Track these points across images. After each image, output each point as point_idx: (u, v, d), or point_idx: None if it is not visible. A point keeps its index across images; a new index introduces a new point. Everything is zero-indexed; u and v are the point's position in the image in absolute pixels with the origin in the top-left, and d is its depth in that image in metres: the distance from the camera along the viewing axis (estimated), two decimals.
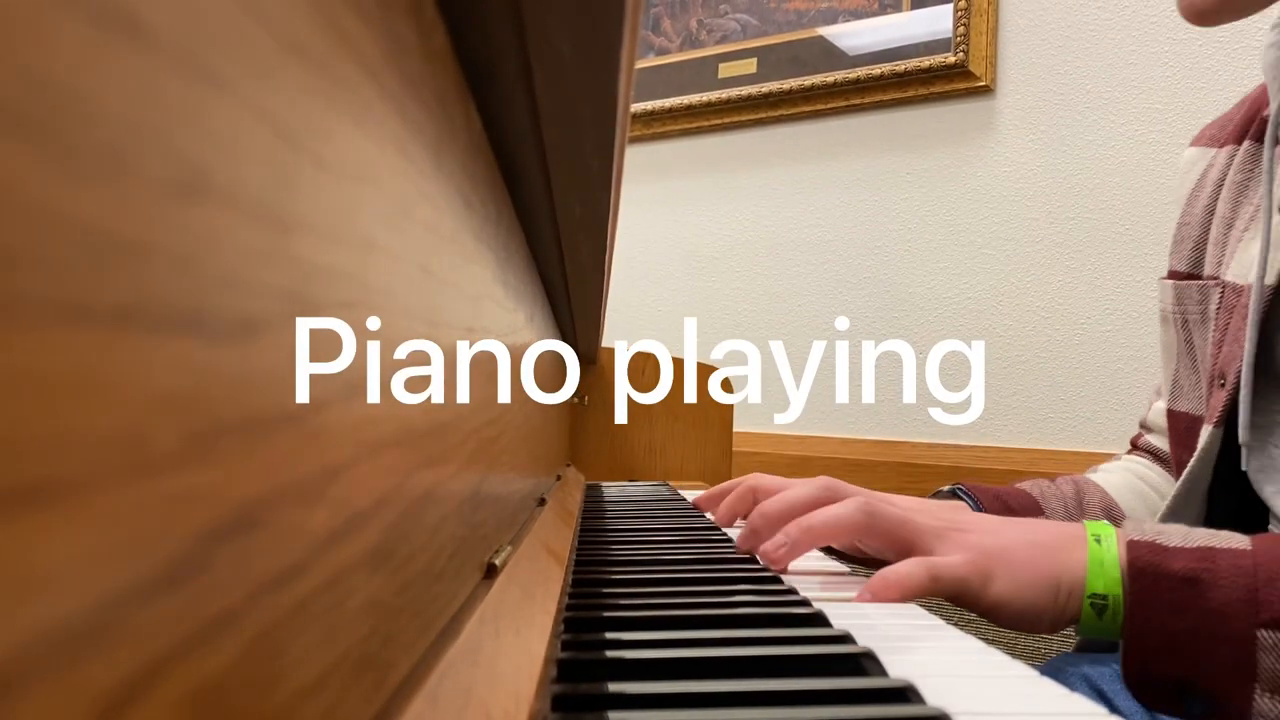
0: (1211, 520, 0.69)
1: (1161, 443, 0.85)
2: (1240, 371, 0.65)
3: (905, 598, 0.49)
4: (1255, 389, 0.64)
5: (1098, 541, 0.51)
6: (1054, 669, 0.75)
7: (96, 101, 0.09)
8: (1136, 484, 0.84)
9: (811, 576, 0.55)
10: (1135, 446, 0.91)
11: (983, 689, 0.33)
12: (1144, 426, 0.90)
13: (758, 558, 0.56)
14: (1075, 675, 0.73)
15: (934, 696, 0.31)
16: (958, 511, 0.57)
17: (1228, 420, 0.67)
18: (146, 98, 0.10)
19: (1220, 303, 0.70)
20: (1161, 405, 0.84)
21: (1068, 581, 0.50)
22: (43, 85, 0.08)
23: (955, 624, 0.44)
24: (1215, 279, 0.72)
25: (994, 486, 0.80)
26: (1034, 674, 0.35)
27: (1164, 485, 0.84)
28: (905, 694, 0.31)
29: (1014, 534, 0.53)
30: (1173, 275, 0.78)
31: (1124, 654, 0.49)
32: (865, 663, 0.35)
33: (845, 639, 0.38)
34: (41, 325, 0.08)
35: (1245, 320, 0.64)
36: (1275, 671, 0.46)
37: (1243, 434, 0.64)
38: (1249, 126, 0.75)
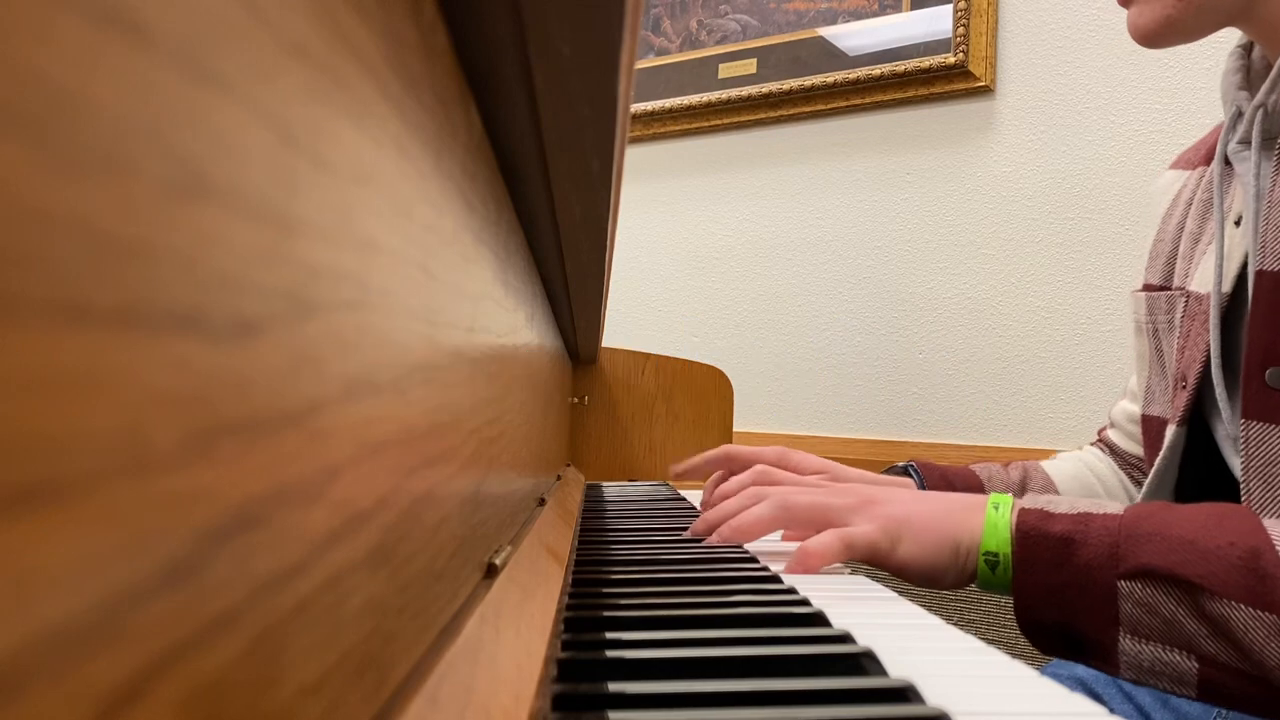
0: None
1: (1119, 439, 0.92)
2: (1199, 374, 0.70)
3: (825, 564, 0.57)
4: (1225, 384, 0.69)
5: (995, 509, 0.59)
6: (1048, 673, 0.76)
7: (96, 101, 0.09)
8: (1084, 474, 0.90)
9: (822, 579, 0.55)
10: (1099, 438, 0.96)
11: (983, 689, 0.33)
12: (1110, 422, 0.95)
13: (756, 558, 0.60)
14: (1070, 679, 0.74)
15: (934, 696, 0.31)
16: (872, 487, 0.64)
17: (1190, 419, 0.72)
18: (146, 98, 0.10)
19: (1185, 310, 0.75)
20: (1126, 404, 0.91)
21: (966, 542, 0.58)
22: (43, 85, 0.08)
23: (955, 624, 0.44)
24: (1181, 289, 0.77)
25: (943, 465, 0.87)
26: (1034, 674, 0.35)
27: (1111, 478, 0.91)
28: (905, 694, 0.31)
29: (921, 504, 0.61)
30: (1147, 288, 0.84)
31: (1014, 604, 0.57)
32: (865, 662, 0.35)
33: (845, 639, 0.38)
34: (41, 325, 0.08)
35: (1205, 325, 0.70)
36: (1134, 616, 0.53)
37: (1231, 427, 0.68)
38: (1214, 149, 0.79)
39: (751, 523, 0.62)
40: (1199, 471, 0.73)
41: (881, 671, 0.34)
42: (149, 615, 0.10)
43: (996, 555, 0.57)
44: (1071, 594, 0.54)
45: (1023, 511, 0.58)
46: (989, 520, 0.58)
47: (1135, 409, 0.88)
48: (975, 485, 0.87)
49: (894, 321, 1.53)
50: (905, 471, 0.86)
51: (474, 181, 0.32)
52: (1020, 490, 0.87)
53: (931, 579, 0.59)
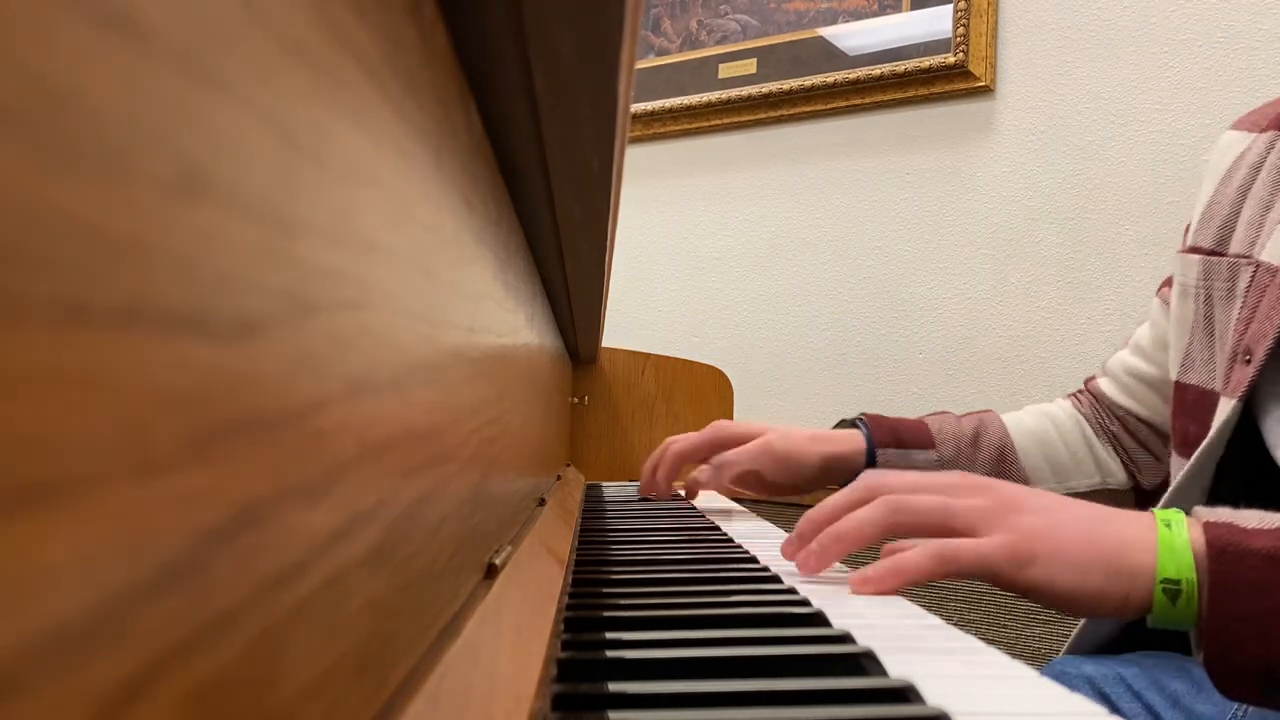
0: (1218, 491, 0.70)
1: (1111, 390, 0.88)
2: (1270, 350, 0.65)
3: (911, 584, 0.48)
4: None
5: (1167, 526, 0.49)
6: (1056, 671, 0.75)
7: (96, 101, 0.09)
8: (1045, 428, 0.87)
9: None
10: (1085, 388, 0.93)
11: (983, 689, 0.33)
12: (1102, 371, 0.92)
13: (757, 558, 0.58)
14: (1077, 678, 0.73)
15: (934, 696, 0.31)
16: (1011, 486, 0.54)
17: (1250, 396, 0.68)
18: (146, 98, 0.10)
19: (1252, 281, 0.71)
20: (1126, 356, 0.87)
21: (1135, 567, 0.48)
22: (43, 85, 0.08)
23: (955, 624, 0.44)
24: (1248, 257, 0.72)
25: (893, 418, 0.85)
26: (1034, 674, 0.35)
27: (1074, 432, 0.88)
28: (905, 694, 0.31)
29: (1067, 514, 0.51)
30: (1195, 250, 0.79)
31: (1205, 641, 0.47)
32: (865, 662, 0.35)
33: (845, 639, 0.38)
34: (41, 325, 0.08)
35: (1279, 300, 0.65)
36: None
37: None
38: None
39: (854, 527, 0.52)
40: (1237, 452, 0.69)
41: (881, 671, 0.34)
42: (149, 615, 0.10)
43: (1178, 583, 0.47)
44: None
45: (1209, 526, 0.48)
46: (1162, 540, 0.49)
47: (1139, 364, 0.85)
48: (926, 438, 0.83)
49: (894, 321, 1.53)
50: (854, 424, 0.85)
51: (474, 181, 0.32)
52: (971, 446, 0.84)
53: (1079, 606, 0.49)
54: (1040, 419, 0.89)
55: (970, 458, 0.85)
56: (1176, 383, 0.79)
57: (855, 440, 0.85)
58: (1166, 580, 0.48)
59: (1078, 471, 0.88)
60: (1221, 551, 0.47)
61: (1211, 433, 0.70)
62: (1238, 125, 0.83)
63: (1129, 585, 0.48)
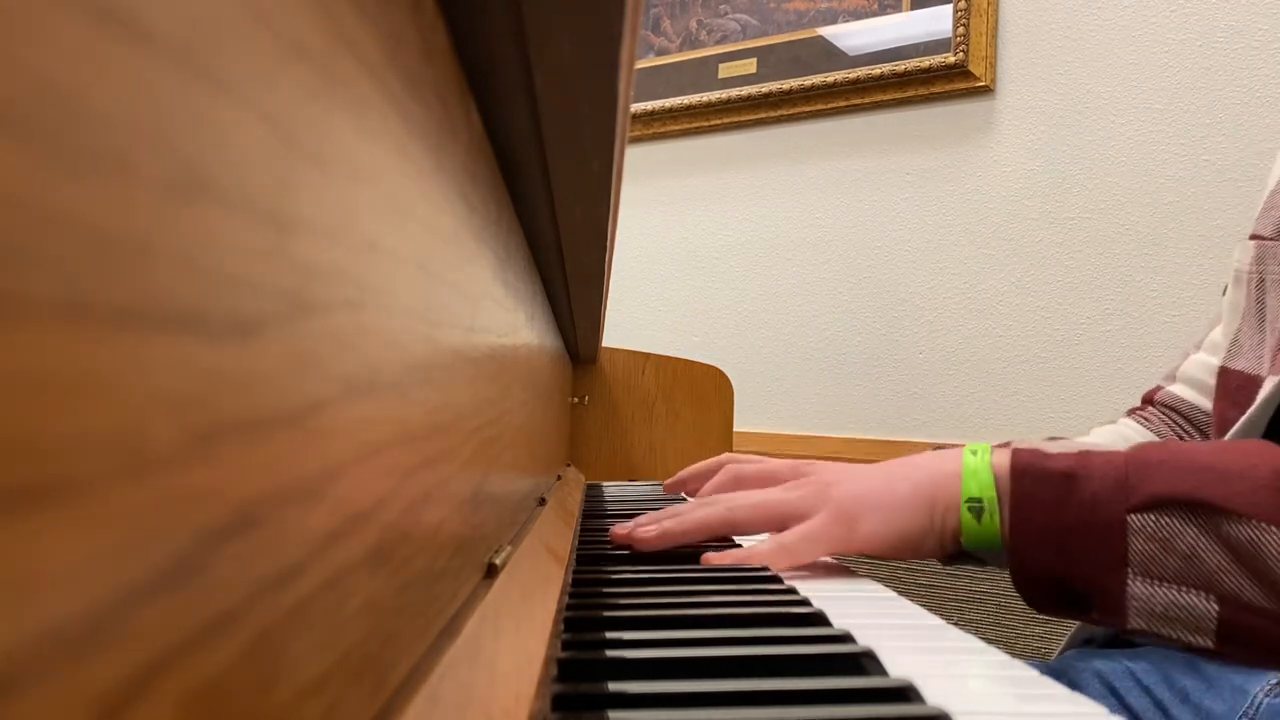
0: None
1: (1188, 393, 0.85)
2: None
3: (784, 565, 0.53)
4: None
5: (974, 454, 0.53)
6: (1065, 665, 0.75)
7: (96, 101, 0.09)
8: (1121, 445, 0.86)
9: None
10: (1149, 402, 0.90)
11: (983, 689, 0.33)
12: (1170, 378, 0.89)
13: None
14: (1087, 671, 0.72)
15: (934, 696, 0.31)
16: (831, 469, 0.59)
17: None
18: (146, 98, 0.10)
19: None
20: (1202, 357, 0.84)
21: (944, 496, 0.53)
22: (43, 85, 0.08)
23: (956, 624, 0.44)
24: None
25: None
26: (1035, 673, 0.35)
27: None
28: (905, 693, 0.31)
29: (880, 471, 0.56)
30: (1256, 238, 0.79)
31: (1007, 553, 0.51)
32: (865, 662, 0.35)
33: (845, 638, 0.38)
34: (41, 325, 0.08)
35: None
36: (1146, 553, 0.47)
37: None
38: None
39: (693, 523, 0.57)
40: (1277, 434, 0.69)
41: (882, 671, 0.34)
42: (149, 615, 0.10)
43: (981, 501, 0.51)
44: (1075, 535, 0.49)
45: (1016, 451, 0.52)
46: (966, 466, 0.53)
47: (1216, 361, 0.82)
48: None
49: (894, 321, 1.53)
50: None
51: (474, 181, 0.32)
52: None
53: (906, 549, 0.54)
54: (1111, 436, 0.86)
55: None
56: (1222, 368, 0.78)
57: None
58: (970, 499, 0.52)
59: None
60: (1023, 472, 0.50)
61: (1252, 409, 0.69)
62: None
63: (944, 514, 0.53)
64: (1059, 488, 0.49)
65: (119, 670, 0.10)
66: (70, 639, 0.09)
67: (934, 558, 0.55)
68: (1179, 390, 0.87)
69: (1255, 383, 0.73)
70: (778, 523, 0.56)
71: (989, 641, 0.40)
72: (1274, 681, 0.69)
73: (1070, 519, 0.49)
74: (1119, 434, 0.87)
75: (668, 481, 0.86)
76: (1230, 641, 0.47)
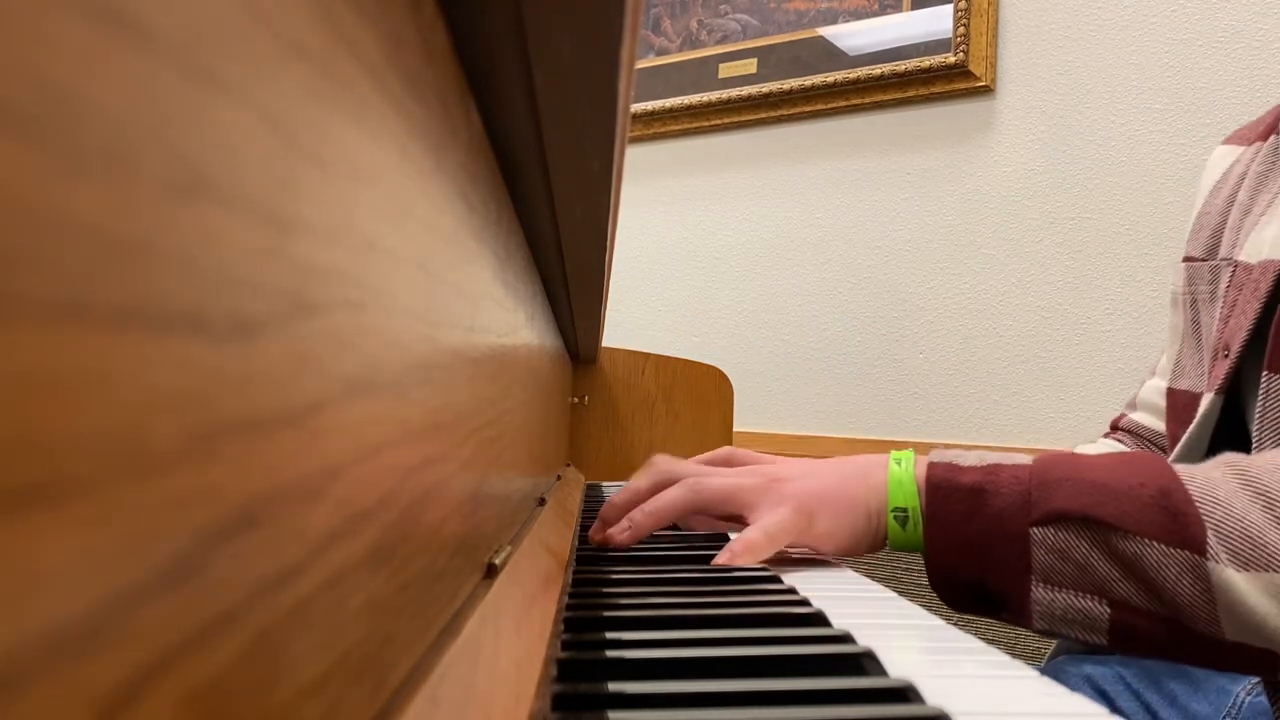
0: None
1: (1147, 419, 0.89)
2: (1245, 342, 0.69)
3: (755, 561, 0.56)
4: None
5: (898, 464, 0.58)
6: (1056, 670, 0.75)
7: (96, 101, 0.09)
8: None
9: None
10: (1115, 428, 0.94)
11: (983, 689, 0.33)
12: (1131, 406, 0.93)
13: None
14: (1077, 676, 0.73)
15: (934, 696, 0.31)
16: (778, 465, 0.63)
17: (1229, 389, 0.71)
18: (146, 98, 0.10)
19: (1231, 280, 0.74)
20: (1158, 383, 0.88)
21: (875, 503, 0.57)
22: (43, 85, 0.08)
23: (955, 624, 0.44)
24: (1228, 259, 0.75)
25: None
26: (1034, 674, 0.35)
27: None
28: (905, 694, 0.31)
29: (827, 472, 0.60)
30: (1187, 260, 0.82)
31: (925, 560, 0.56)
32: (865, 662, 0.35)
33: (845, 639, 0.38)
34: (41, 325, 0.08)
35: (1255, 294, 0.69)
36: (1047, 563, 0.52)
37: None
38: (1277, 125, 0.78)
39: (664, 506, 0.60)
40: (1223, 447, 0.72)
41: (881, 671, 0.34)
42: (149, 615, 0.10)
43: (905, 510, 0.56)
44: (984, 545, 0.53)
45: (931, 465, 0.57)
46: (892, 476, 0.57)
47: (1165, 384, 0.86)
48: None
49: (894, 321, 1.53)
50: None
51: (474, 181, 0.32)
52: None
53: (850, 548, 0.58)
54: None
55: None
56: (1168, 389, 0.82)
57: None
58: (896, 509, 0.56)
59: None
60: (935, 486, 0.55)
61: (1192, 426, 0.72)
62: (1228, 141, 0.86)
63: (877, 520, 0.57)
64: (969, 501, 0.54)
65: (119, 670, 0.10)
66: (70, 639, 0.09)
67: (865, 555, 0.59)
68: (1139, 418, 0.91)
69: (1197, 400, 0.76)
70: (734, 509, 0.59)
71: (989, 641, 0.40)
72: (1255, 681, 0.70)
73: (978, 531, 0.54)
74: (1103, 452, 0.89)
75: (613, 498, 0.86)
76: (1120, 638, 0.52)
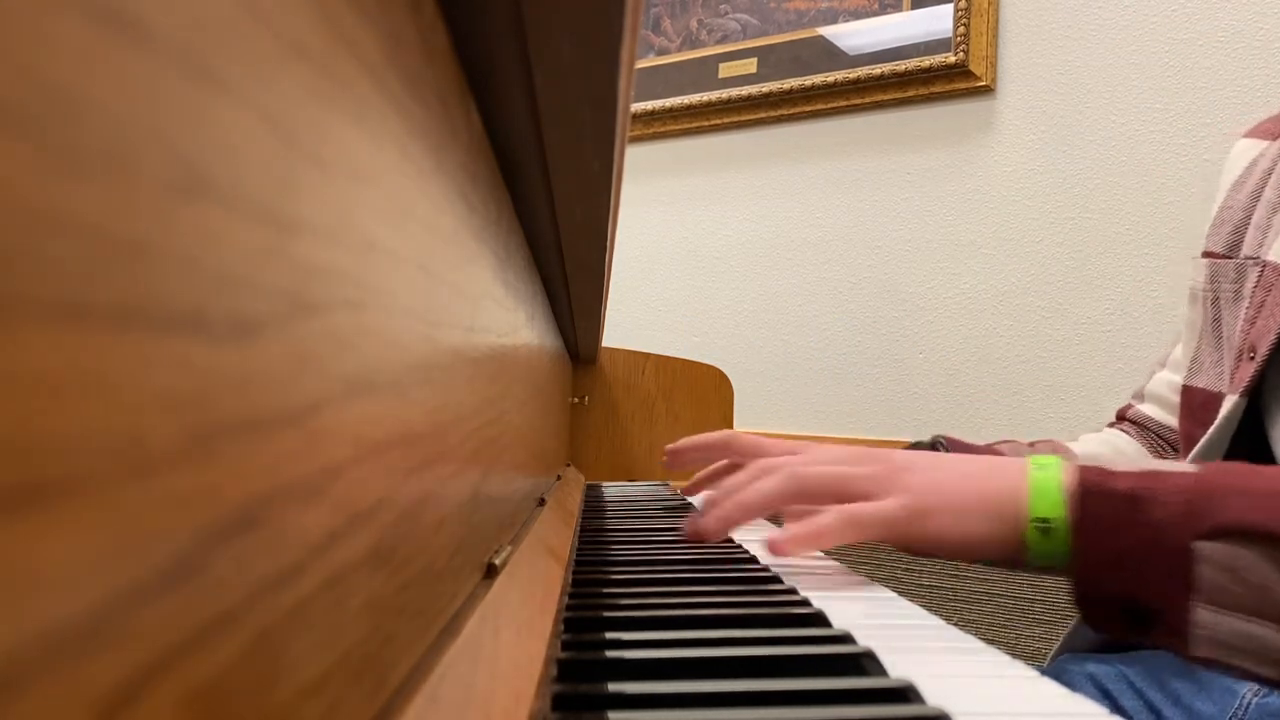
0: None
1: (1156, 412, 0.87)
2: (1273, 345, 0.66)
3: (827, 546, 0.52)
4: None
5: (1040, 469, 0.52)
6: (1059, 669, 0.75)
7: (96, 101, 0.09)
8: (1115, 459, 0.85)
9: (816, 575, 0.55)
10: (1122, 419, 0.92)
11: (983, 689, 0.33)
12: (1139, 397, 0.91)
13: (757, 558, 0.58)
14: (1080, 675, 0.73)
15: (934, 696, 0.31)
16: (898, 453, 0.58)
17: (1253, 391, 0.69)
18: (146, 98, 0.10)
19: (1259, 280, 0.72)
20: (1166, 375, 0.86)
21: (1010, 509, 0.51)
22: (43, 85, 0.08)
23: (955, 624, 0.44)
24: (1255, 259, 0.73)
25: (967, 442, 0.83)
26: (1034, 674, 0.35)
27: (1138, 458, 0.85)
28: (905, 694, 0.31)
29: (953, 468, 0.54)
30: (1208, 255, 0.79)
31: (1072, 573, 0.50)
32: (865, 662, 0.35)
33: (845, 639, 0.38)
34: (41, 325, 0.08)
35: None
36: (1214, 582, 0.46)
37: None
38: None
39: (758, 497, 0.55)
40: (1243, 451, 0.69)
41: (882, 671, 0.34)
42: (149, 615, 0.10)
43: (1048, 521, 0.50)
44: (1139, 558, 0.48)
45: (1082, 469, 0.51)
46: (1034, 482, 0.51)
47: (1179, 379, 0.83)
48: None
49: (894, 321, 1.53)
50: (933, 446, 0.81)
51: (474, 181, 0.32)
52: None
53: (971, 553, 0.53)
54: (1104, 446, 0.87)
55: None
56: (1184, 386, 0.79)
57: None
58: (1038, 519, 0.51)
59: None
60: (1087, 492, 0.50)
61: (1212, 428, 0.70)
62: (1250, 134, 0.83)
63: (1011, 527, 0.51)
64: (1124, 509, 0.49)
65: (119, 670, 0.10)
66: (70, 639, 0.09)
67: (990, 564, 0.54)
68: (1147, 409, 0.88)
69: (1217, 400, 0.74)
70: (845, 498, 0.54)
71: (988, 641, 0.40)
72: None
73: (1134, 542, 0.48)
74: (1108, 443, 0.88)
75: (669, 447, 0.84)
76: None
